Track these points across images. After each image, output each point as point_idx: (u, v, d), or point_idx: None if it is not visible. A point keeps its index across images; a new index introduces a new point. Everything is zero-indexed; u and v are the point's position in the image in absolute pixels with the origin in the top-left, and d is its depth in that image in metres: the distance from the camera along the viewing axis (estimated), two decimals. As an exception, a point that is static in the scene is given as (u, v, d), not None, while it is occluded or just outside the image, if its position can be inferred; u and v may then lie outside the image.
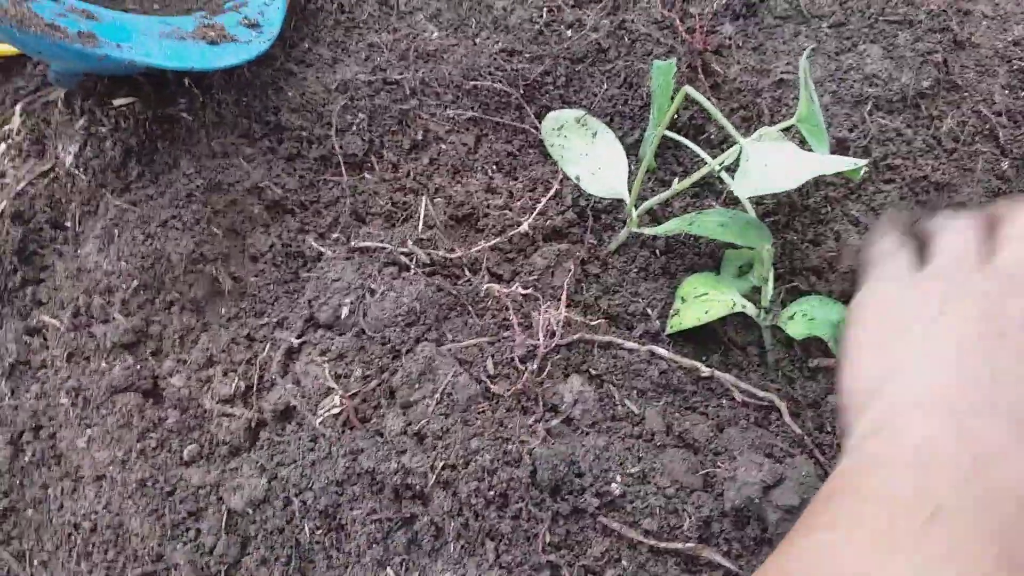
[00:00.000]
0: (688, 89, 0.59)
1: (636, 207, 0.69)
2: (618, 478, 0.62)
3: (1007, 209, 0.59)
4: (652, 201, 0.68)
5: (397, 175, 0.79)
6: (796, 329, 0.63)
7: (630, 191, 0.68)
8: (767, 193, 0.59)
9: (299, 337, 0.70)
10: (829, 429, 0.63)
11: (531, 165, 0.78)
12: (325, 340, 0.68)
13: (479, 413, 0.64)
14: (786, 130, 0.63)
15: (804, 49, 0.74)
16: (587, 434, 0.64)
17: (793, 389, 0.66)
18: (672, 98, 0.63)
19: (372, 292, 0.69)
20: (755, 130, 0.70)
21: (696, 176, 0.64)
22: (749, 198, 0.67)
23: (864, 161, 0.57)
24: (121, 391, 0.72)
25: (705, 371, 0.66)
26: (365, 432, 0.65)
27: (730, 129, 0.60)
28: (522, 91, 0.78)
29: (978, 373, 0.49)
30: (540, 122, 0.77)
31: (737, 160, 0.62)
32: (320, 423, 0.65)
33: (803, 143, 0.67)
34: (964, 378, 0.49)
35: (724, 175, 0.66)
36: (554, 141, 0.72)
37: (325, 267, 0.71)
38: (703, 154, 0.66)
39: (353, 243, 0.72)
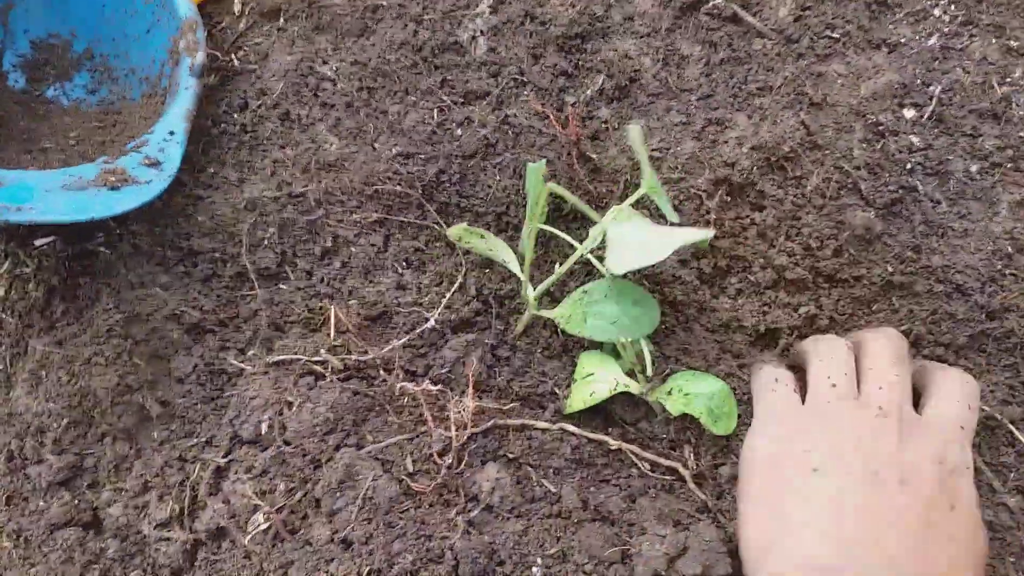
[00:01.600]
0: (551, 185, 0.64)
1: (532, 291, 0.73)
2: (538, 561, 0.65)
3: (866, 338, 0.64)
4: (542, 287, 0.72)
5: (311, 282, 0.82)
6: (674, 406, 0.67)
7: (526, 279, 0.72)
8: (638, 267, 0.63)
9: (226, 456, 0.72)
10: (729, 497, 0.66)
11: (438, 259, 0.82)
12: (249, 457, 0.71)
13: (401, 513, 0.67)
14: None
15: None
16: (507, 520, 0.67)
17: (691, 458, 0.69)
18: (542, 193, 0.68)
19: (289, 405, 0.72)
20: (638, 209, 0.75)
21: (569, 262, 0.68)
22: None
23: (711, 232, 0.63)
24: (61, 527, 0.74)
25: (613, 444, 0.70)
26: (295, 543, 0.67)
27: (591, 214, 0.65)
28: (421, 191, 0.82)
29: (856, 535, 0.51)
30: (441, 217, 0.82)
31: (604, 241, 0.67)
32: (249, 540, 0.67)
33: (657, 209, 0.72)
34: (843, 542, 0.51)
35: (592, 259, 0.71)
36: (462, 246, 0.77)
37: (244, 384, 0.75)
38: (573, 242, 0.70)
39: (268, 359, 0.75)
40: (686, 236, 0.62)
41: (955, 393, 0.58)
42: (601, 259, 0.71)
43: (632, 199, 0.67)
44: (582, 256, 0.70)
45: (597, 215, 0.67)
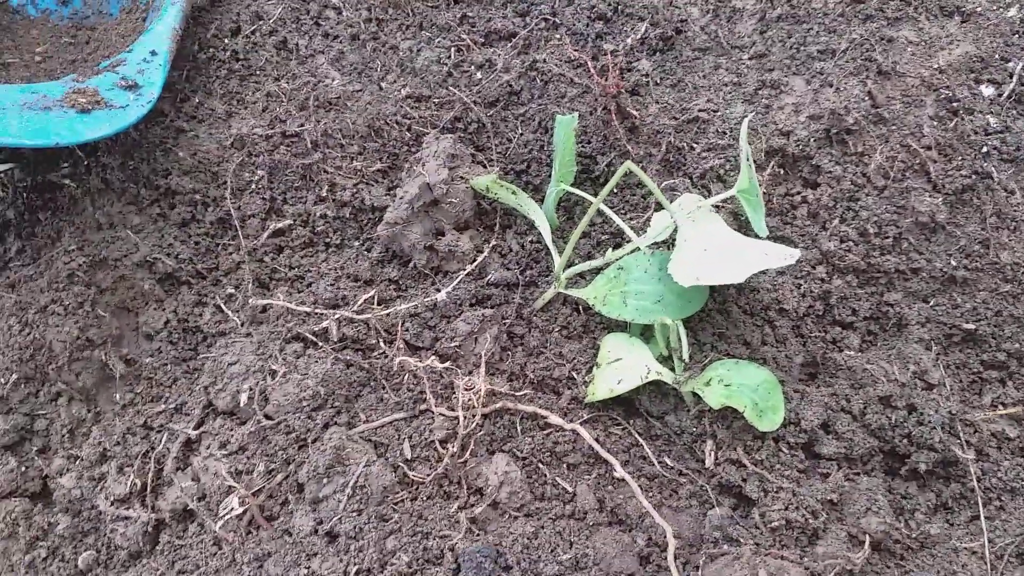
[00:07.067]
0: (629, 165, 0.55)
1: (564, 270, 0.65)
2: (549, 568, 0.57)
3: None
4: (577, 268, 0.64)
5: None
6: (713, 397, 0.59)
7: (563, 259, 0.64)
8: (708, 284, 0.56)
9: (197, 427, 0.64)
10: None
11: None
12: (224, 431, 0.62)
13: (396, 505, 0.59)
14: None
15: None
16: (515, 519, 0.60)
17: (711, 456, 0.62)
18: (572, 150, 0.60)
19: (273, 374, 0.63)
20: (677, 176, 0.67)
21: (625, 251, 0.61)
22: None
23: (798, 253, 0.55)
24: (5, 497, 0.65)
25: (618, 472, 0.61)
26: (273, 532, 0.59)
27: (668, 207, 0.57)
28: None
29: None
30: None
31: (673, 234, 0.59)
32: (221, 526, 0.59)
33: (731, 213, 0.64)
34: None
35: (645, 250, 0.62)
36: (491, 196, 0.69)
37: (223, 347, 0.66)
38: (631, 234, 0.61)
39: (252, 303, 0.66)
40: (772, 259, 0.54)
41: None
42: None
43: (717, 199, 0.59)
44: (617, 228, 0.62)
45: (668, 204, 0.58)
